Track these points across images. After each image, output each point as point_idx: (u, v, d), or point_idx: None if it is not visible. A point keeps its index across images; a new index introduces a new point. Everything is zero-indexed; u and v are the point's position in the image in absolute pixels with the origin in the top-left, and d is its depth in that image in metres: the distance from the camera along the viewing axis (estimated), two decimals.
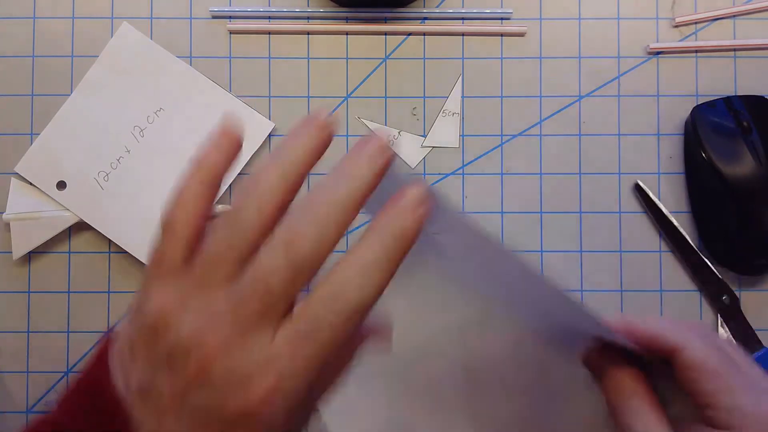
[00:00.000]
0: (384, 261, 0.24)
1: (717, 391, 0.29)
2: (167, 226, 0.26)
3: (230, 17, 0.45)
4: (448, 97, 0.45)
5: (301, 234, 0.23)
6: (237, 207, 0.25)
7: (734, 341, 0.44)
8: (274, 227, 0.24)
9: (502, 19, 0.45)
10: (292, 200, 0.25)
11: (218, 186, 0.27)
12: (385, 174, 0.25)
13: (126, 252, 0.43)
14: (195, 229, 0.26)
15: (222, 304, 0.24)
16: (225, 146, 0.26)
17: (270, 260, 0.23)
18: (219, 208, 0.44)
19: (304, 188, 0.25)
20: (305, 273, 0.24)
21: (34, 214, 0.43)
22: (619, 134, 0.45)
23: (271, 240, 0.24)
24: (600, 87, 0.45)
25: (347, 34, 0.45)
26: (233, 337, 0.23)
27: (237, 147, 0.26)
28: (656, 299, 0.44)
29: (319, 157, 0.25)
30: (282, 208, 0.24)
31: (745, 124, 0.42)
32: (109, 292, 0.44)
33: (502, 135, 0.45)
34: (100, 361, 0.26)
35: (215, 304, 0.24)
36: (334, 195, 0.24)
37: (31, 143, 0.44)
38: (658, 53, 0.45)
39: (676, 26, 0.45)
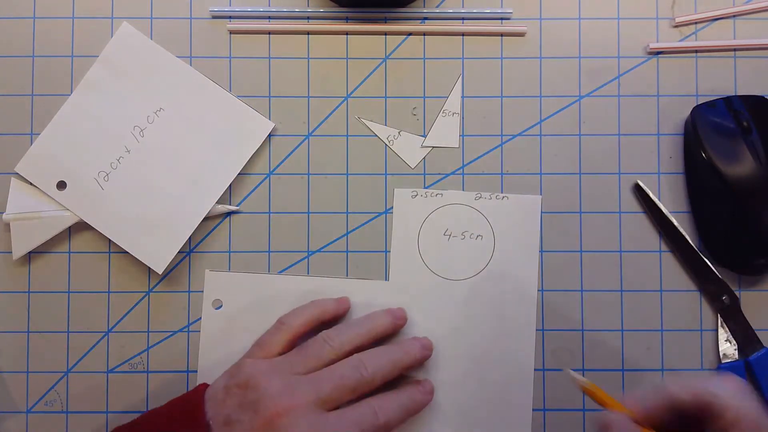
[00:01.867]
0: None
1: None
2: (280, 324, 0.41)
3: (230, 17, 0.45)
4: (448, 97, 0.45)
5: (369, 365, 0.38)
6: (334, 334, 0.40)
7: (734, 341, 0.44)
8: (351, 354, 0.39)
9: (502, 19, 0.45)
10: (365, 347, 0.40)
11: (322, 319, 0.42)
12: (426, 359, 0.42)
13: (126, 252, 0.43)
14: (296, 334, 0.40)
15: (303, 382, 0.37)
16: (339, 302, 0.43)
17: (345, 369, 0.38)
18: (219, 207, 0.44)
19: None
20: (361, 388, 0.38)
21: (34, 214, 0.43)
22: (619, 134, 0.45)
23: (349, 360, 0.38)
24: (600, 87, 0.45)
25: (347, 34, 0.45)
26: (302, 404, 0.36)
27: (345, 309, 0.43)
28: (656, 299, 0.44)
29: (386, 335, 0.42)
30: (357, 350, 0.39)
31: (745, 124, 0.42)
32: (109, 292, 0.44)
33: (502, 135, 0.45)
34: (193, 395, 0.38)
35: (298, 381, 0.37)
36: (395, 356, 0.40)
37: (31, 143, 0.44)
38: (658, 53, 0.45)
39: (676, 26, 0.45)
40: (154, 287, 0.44)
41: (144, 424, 0.38)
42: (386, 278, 0.44)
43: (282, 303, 0.43)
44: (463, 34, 0.45)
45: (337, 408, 0.37)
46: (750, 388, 0.31)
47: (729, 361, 0.43)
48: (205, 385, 0.39)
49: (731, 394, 0.30)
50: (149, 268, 0.43)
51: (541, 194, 0.45)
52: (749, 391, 0.31)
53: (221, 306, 0.44)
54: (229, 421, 0.36)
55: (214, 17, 0.45)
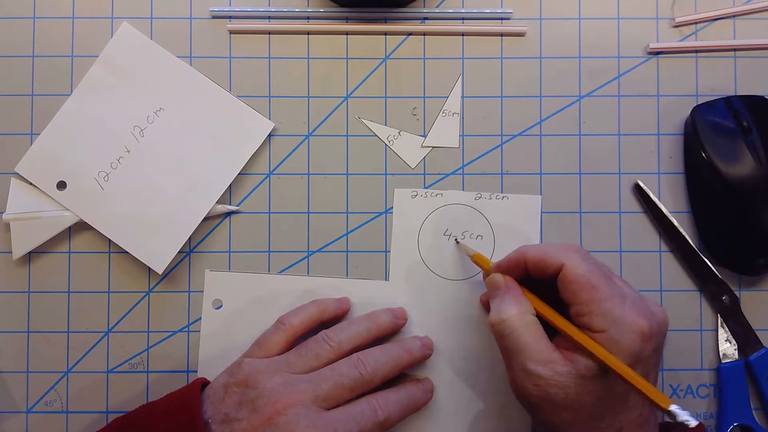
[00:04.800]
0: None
1: (592, 300, 0.35)
2: (280, 323, 0.41)
3: (230, 17, 0.45)
4: (448, 97, 0.45)
5: (368, 364, 0.38)
6: (333, 333, 0.39)
7: (734, 341, 0.44)
8: (351, 353, 0.39)
9: (502, 19, 0.45)
10: (365, 345, 0.40)
11: (322, 318, 0.41)
12: (427, 358, 0.42)
13: (126, 252, 0.43)
14: (296, 334, 0.40)
15: (302, 381, 0.37)
16: (339, 302, 0.43)
17: (344, 368, 0.38)
18: (219, 207, 0.44)
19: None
20: (360, 387, 0.38)
21: (34, 214, 0.43)
22: (619, 134, 0.45)
23: (348, 358, 0.38)
24: (600, 87, 0.45)
25: (347, 34, 0.45)
26: (301, 401, 0.36)
27: (345, 310, 0.43)
28: (656, 299, 0.44)
29: (387, 333, 0.41)
30: (357, 349, 0.39)
31: (745, 124, 0.42)
32: (109, 292, 0.44)
33: (502, 135, 0.45)
34: (189, 393, 0.37)
35: (297, 380, 0.37)
36: (395, 355, 0.40)
37: (31, 143, 0.44)
38: (658, 53, 0.45)
39: (676, 26, 0.45)
40: (154, 287, 0.44)
41: (142, 419, 0.38)
42: (386, 278, 0.44)
43: (282, 303, 0.43)
44: (463, 34, 0.45)
45: (337, 407, 0.37)
46: (588, 254, 0.37)
47: (729, 361, 0.43)
48: (202, 380, 0.39)
49: (564, 253, 0.36)
50: (149, 268, 0.43)
51: (541, 194, 0.45)
52: (585, 255, 0.37)
53: (221, 306, 0.44)
54: (228, 419, 0.36)
55: (214, 17, 0.45)
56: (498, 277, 0.39)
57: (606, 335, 0.34)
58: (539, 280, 0.38)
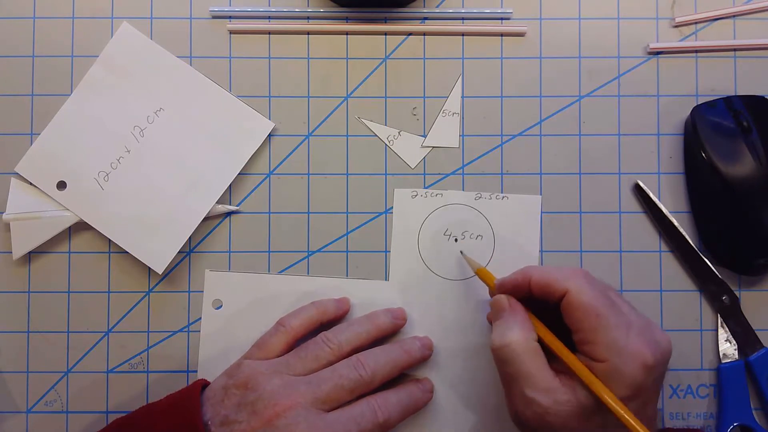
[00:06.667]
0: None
1: (596, 328, 0.34)
2: (279, 325, 0.41)
3: (230, 17, 0.45)
4: (448, 97, 0.45)
5: (367, 365, 0.38)
6: (333, 335, 0.39)
7: (734, 341, 0.44)
8: (350, 355, 0.39)
9: (502, 19, 0.45)
10: (364, 346, 0.40)
11: (322, 320, 0.41)
12: (427, 359, 0.42)
13: (126, 252, 0.43)
14: (295, 336, 0.40)
15: (301, 383, 0.37)
16: (339, 303, 0.42)
17: (344, 369, 0.38)
18: (219, 207, 0.44)
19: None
20: (360, 388, 0.38)
21: (34, 214, 0.43)
22: (619, 134, 0.45)
23: (348, 360, 0.38)
24: (600, 87, 0.45)
25: (347, 34, 0.45)
26: (301, 404, 0.36)
27: (345, 310, 0.43)
28: (656, 299, 0.44)
29: (386, 334, 0.42)
30: (357, 350, 0.39)
31: (745, 124, 0.42)
32: (109, 292, 0.44)
33: (502, 135, 0.45)
34: (189, 394, 0.37)
35: (296, 381, 0.37)
36: (395, 356, 0.40)
37: (31, 143, 0.44)
38: (658, 53, 0.45)
39: (676, 26, 0.45)
40: (154, 287, 0.44)
41: (142, 419, 0.38)
42: (386, 278, 0.44)
43: (282, 303, 0.43)
44: (463, 34, 0.45)
45: (336, 408, 0.37)
46: (594, 278, 0.36)
47: (729, 361, 0.43)
48: (202, 381, 0.39)
49: (569, 278, 0.35)
50: (149, 268, 0.43)
51: (541, 194, 0.45)
52: (591, 280, 0.36)
53: (221, 306, 0.44)
54: (228, 421, 0.36)
55: (214, 17, 0.45)
56: (503, 300, 0.38)
57: (608, 365, 0.33)
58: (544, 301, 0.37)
